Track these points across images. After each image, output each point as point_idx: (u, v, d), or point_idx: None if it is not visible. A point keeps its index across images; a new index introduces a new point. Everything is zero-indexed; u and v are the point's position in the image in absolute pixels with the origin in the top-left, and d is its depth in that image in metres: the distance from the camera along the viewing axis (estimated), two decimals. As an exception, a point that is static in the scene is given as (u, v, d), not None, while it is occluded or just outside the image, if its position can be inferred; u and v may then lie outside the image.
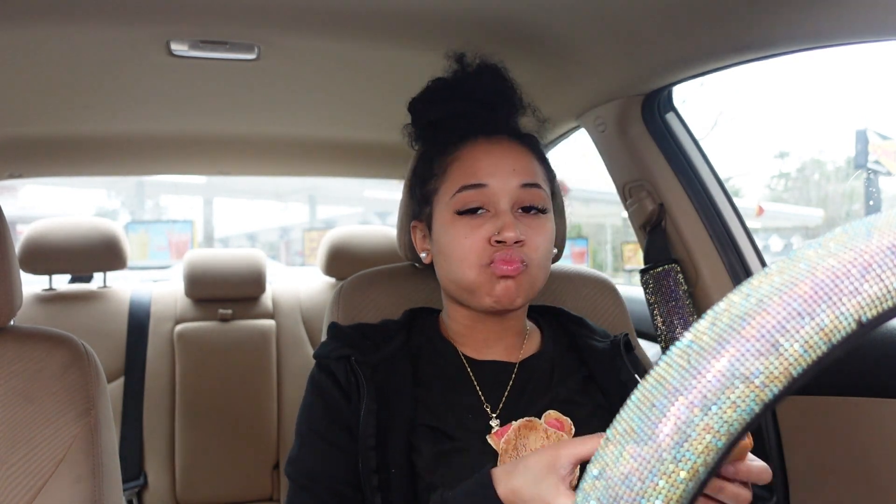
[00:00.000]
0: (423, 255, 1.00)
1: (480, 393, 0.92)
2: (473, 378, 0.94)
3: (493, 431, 0.87)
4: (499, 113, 0.97)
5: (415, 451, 0.86)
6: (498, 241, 0.86)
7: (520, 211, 0.89)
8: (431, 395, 0.91)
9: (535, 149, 0.96)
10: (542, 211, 0.91)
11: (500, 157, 0.91)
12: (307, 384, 0.95)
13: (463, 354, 0.96)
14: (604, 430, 0.92)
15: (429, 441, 0.87)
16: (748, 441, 0.68)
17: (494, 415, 0.90)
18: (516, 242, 0.86)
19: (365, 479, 0.84)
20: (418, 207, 0.99)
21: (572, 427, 0.88)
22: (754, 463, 0.67)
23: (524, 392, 0.93)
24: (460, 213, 0.89)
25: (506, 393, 0.93)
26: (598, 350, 0.99)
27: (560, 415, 0.89)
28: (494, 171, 0.89)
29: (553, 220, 0.94)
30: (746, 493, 0.67)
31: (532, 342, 1.00)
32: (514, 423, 0.87)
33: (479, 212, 0.89)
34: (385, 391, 0.89)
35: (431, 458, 0.85)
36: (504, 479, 0.71)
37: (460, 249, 0.88)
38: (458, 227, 0.89)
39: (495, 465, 0.83)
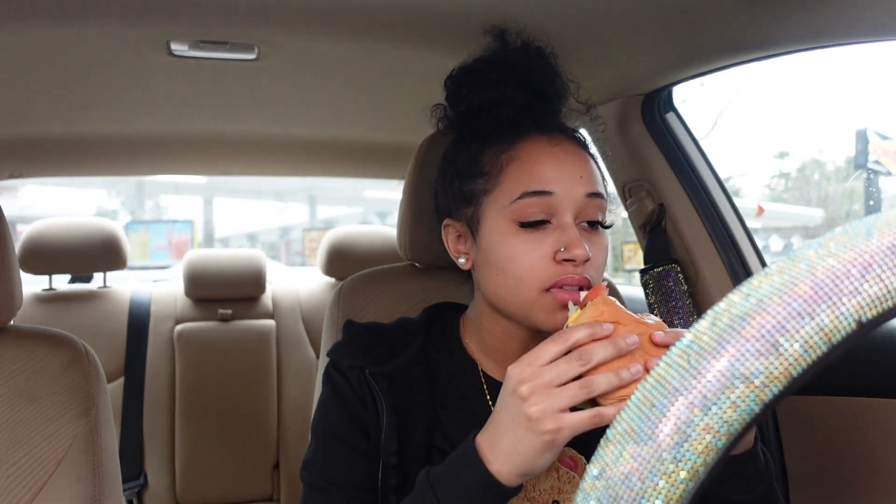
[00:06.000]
0: (461, 259, 0.88)
1: None
2: (491, 403, 0.86)
3: None
4: (550, 104, 0.88)
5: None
6: (566, 260, 0.77)
7: (584, 224, 0.81)
8: (448, 417, 0.85)
9: (589, 150, 0.87)
10: (605, 225, 0.82)
11: (565, 161, 0.80)
12: (322, 380, 0.89)
13: (483, 373, 0.88)
14: None
15: None
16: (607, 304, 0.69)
17: None
18: (585, 261, 0.77)
19: (384, 497, 0.80)
20: (454, 205, 0.87)
21: (586, 467, 0.82)
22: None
23: None
24: (523, 224, 0.79)
25: None
26: None
27: (575, 453, 0.83)
28: (560, 177, 0.79)
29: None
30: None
31: None
32: None
33: (544, 224, 0.79)
34: (402, 405, 0.83)
35: None
36: (486, 442, 0.69)
37: (519, 268, 0.78)
38: (518, 242, 0.79)
39: None
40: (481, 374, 0.88)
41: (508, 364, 0.86)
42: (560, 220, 0.79)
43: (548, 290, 0.78)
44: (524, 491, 0.80)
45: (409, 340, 0.89)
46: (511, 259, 0.79)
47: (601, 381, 0.63)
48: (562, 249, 0.77)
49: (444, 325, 0.93)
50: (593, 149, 0.90)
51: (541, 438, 0.64)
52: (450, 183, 0.88)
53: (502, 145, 0.83)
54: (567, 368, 0.64)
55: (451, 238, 0.90)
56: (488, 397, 0.87)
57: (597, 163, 0.87)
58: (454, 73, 0.91)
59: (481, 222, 0.83)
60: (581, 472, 0.82)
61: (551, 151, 0.81)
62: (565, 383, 0.64)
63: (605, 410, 0.63)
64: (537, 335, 0.84)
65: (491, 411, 0.83)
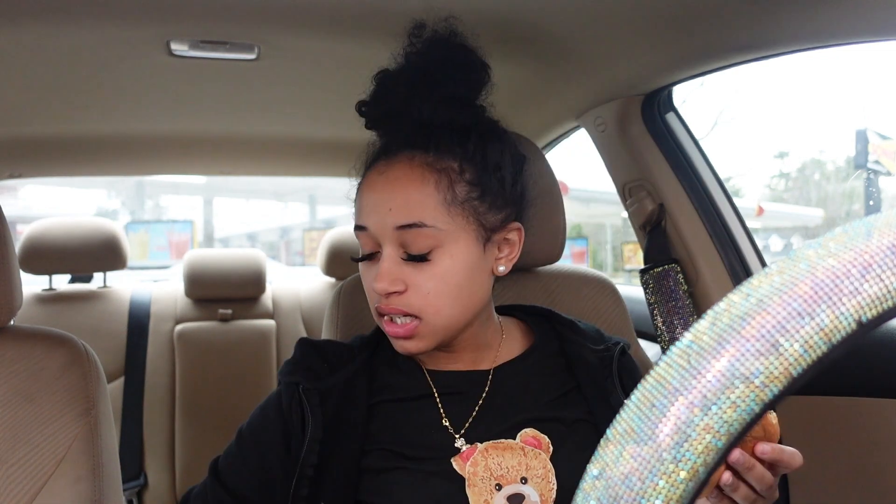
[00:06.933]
0: None
1: (441, 408, 0.86)
2: (436, 392, 0.88)
3: (459, 453, 0.82)
4: (431, 104, 0.83)
5: (377, 478, 0.82)
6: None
7: (407, 256, 0.80)
8: (392, 417, 0.87)
9: (450, 154, 0.81)
10: (426, 258, 0.80)
11: (377, 193, 0.82)
12: None
13: (427, 369, 0.90)
14: (583, 447, 0.90)
15: (390, 467, 0.82)
16: (776, 426, 0.69)
17: (460, 434, 0.84)
18: (391, 294, 0.80)
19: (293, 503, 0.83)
20: None
21: (550, 445, 0.83)
22: (786, 447, 0.67)
23: (494, 403, 0.87)
24: (357, 259, 0.86)
25: (476, 407, 0.87)
26: (587, 361, 0.92)
27: (537, 432, 0.85)
28: (372, 211, 0.81)
29: (460, 255, 0.81)
30: (771, 477, 0.66)
31: (511, 346, 0.93)
32: (480, 446, 0.83)
33: (374, 257, 0.83)
34: (333, 419, 0.85)
35: (395, 486, 0.81)
36: None
37: (366, 294, 0.87)
38: (362, 270, 0.86)
39: (462, 491, 0.79)
40: (423, 369, 0.91)
41: (444, 361, 0.90)
42: (382, 252, 0.82)
43: (381, 315, 0.84)
44: (489, 471, 0.81)
45: (355, 355, 0.91)
46: (362, 280, 0.87)
47: None
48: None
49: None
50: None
51: None
52: None
53: (360, 176, 0.88)
54: None
55: None
56: (432, 387, 0.89)
57: (479, 161, 0.82)
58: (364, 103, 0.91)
59: None
60: (545, 449, 0.83)
61: (374, 182, 0.83)
62: None
63: None
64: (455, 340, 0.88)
65: (435, 396, 0.88)
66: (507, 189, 0.85)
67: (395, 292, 0.80)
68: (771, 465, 0.66)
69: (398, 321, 0.82)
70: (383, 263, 0.80)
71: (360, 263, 0.86)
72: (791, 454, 0.66)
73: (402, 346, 0.83)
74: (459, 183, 0.81)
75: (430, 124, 0.83)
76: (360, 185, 0.86)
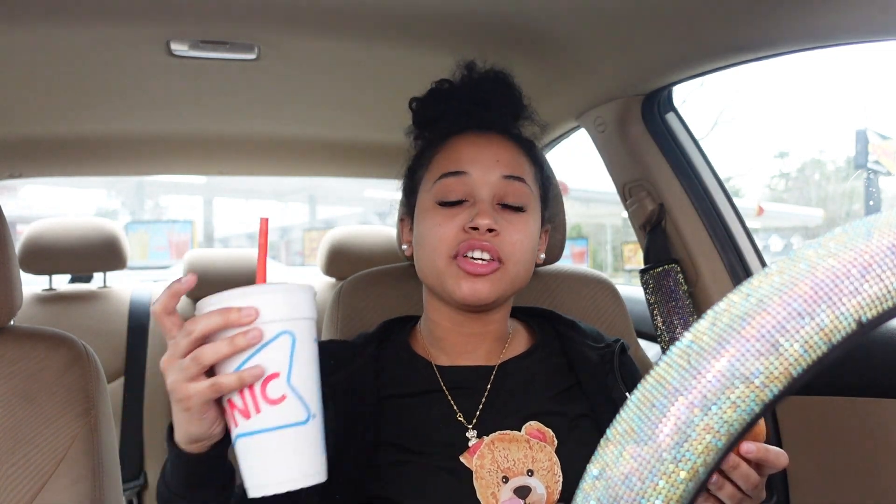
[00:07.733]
0: (404, 247, 0.99)
1: (452, 402, 0.88)
2: (444, 387, 0.90)
3: (468, 448, 0.83)
4: (495, 112, 0.95)
5: (386, 473, 0.82)
6: (472, 228, 0.85)
7: (501, 206, 0.88)
8: (400, 411, 0.88)
9: (529, 149, 0.95)
10: (522, 209, 0.89)
11: (484, 147, 0.90)
12: None
13: (434, 364, 0.92)
14: (586, 441, 0.91)
15: (399, 462, 0.83)
16: (763, 425, 0.68)
17: (471, 425, 0.86)
18: (490, 231, 0.84)
19: (307, 500, 0.82)
20: (406, 199, 0.99)
21: (554, 438, 0.85)
22: (771, 446, 0.66)
23: (499, 397, 0.89)
24: (441, 203, 0.88)
25: (483, 399, 0.89)
26: (588, 358, 0.94)
27: (541, 426, 0.86)
28: (476, 160, 0.88)
29: (537, 223, 0.92)
30: (757, 477, 0.66)
31: (517, 344, 0.97)
32: (486, 439, 0.84)
33: (461, 203, 0.87)
34: (342, 415, 0.86)
35: (404, 480, 0.81)
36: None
37: (433, 238, 0.87)
38: (436, 216, 0.88)
39: (470, 484, 0.80)
40: (431, 364, 0.92)
41: (457, 353, 0.92)
42: (476, 198, 0.87)
43: (454, 257, 0.85)
44: (496, 464, 0.82)
45: (358, 352, 0.93)
46: (428, 231, 0.88)
47: (207, 351, 0.62)
48: (470, 221, 0.85)
49: (398, 335, 0.98)
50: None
51: (178, 407, 0.64)
52: (405, 182, 1.00)
53: (438, 140, 0.94)
54: (180, 341, 0.65)
55: (405, 231, 0.99)
56: (440, 381, 0.90)
57: (539, 164, 0.96)
58: (418, 97, 1.00)
59: (416, 207, 0.93)
60: (549, 441, 0.85)
61: (474, 140, 0.91)
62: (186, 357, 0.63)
63: (221, 379, 0.61)
64: (475, 319, 0.90)
65: (444, 390, 0.89)
66: (549, 195, 1.00)
67: (492, 230, 0.85)
68: (757, 465, 0.66)
69: (484, 259, 0.85)
70: (483, 205, 0.86)
71: (440, 209, 0.88)
72: (777, 454, 0.66)
73: (473, 288, 0.85)
74: (535, 170, 0.94)
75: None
76: (447, 142, 0.92)
